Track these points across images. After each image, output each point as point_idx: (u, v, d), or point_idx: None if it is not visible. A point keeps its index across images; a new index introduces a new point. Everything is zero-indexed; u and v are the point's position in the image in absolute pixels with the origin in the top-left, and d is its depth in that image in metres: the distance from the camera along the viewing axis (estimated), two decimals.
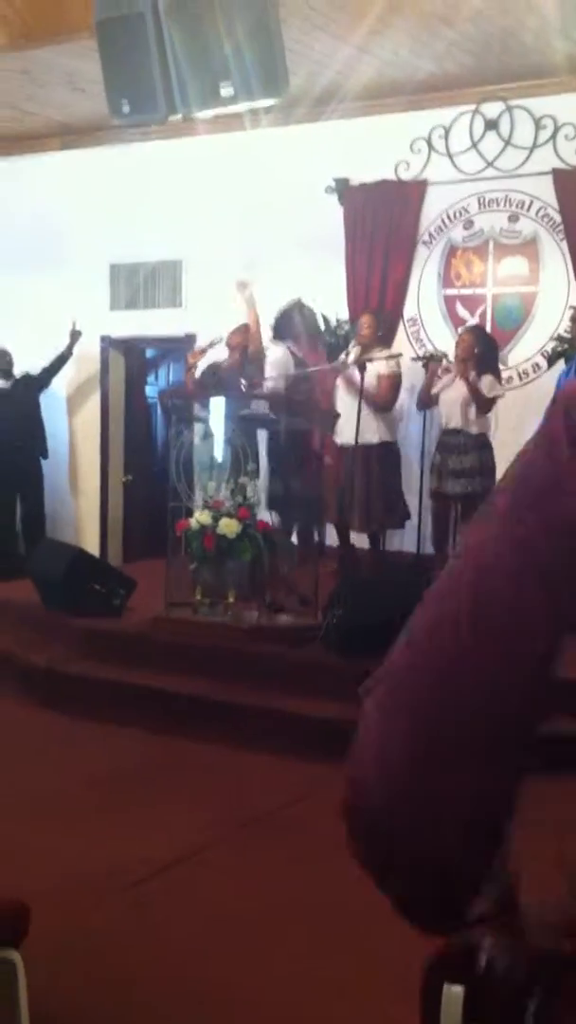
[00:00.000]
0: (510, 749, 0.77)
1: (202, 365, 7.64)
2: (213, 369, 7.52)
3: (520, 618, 0.73)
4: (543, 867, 1.01)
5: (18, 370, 9.16)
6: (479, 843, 0.79)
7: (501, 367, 7.72)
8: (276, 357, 7.08)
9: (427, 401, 7.24)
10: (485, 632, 0.74)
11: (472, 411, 6.97)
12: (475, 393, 6.92)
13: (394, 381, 7.44)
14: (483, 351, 7.14)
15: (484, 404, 6.96)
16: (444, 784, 0.76)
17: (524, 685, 0.74)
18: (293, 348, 7.24)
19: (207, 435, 6.26)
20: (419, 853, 0.79)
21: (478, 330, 7.50)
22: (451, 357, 7.47)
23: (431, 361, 7.33)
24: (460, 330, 7.58)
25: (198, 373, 7.64)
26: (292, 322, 7.14)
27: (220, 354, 7.65)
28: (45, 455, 9.35)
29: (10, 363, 9.12)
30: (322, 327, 8.16)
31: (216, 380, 7.22)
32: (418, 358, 7.63)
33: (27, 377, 9.16)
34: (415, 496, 7.57)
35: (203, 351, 7.59)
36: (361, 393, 6.98)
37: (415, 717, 0.77)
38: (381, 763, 0.79)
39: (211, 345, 7.56)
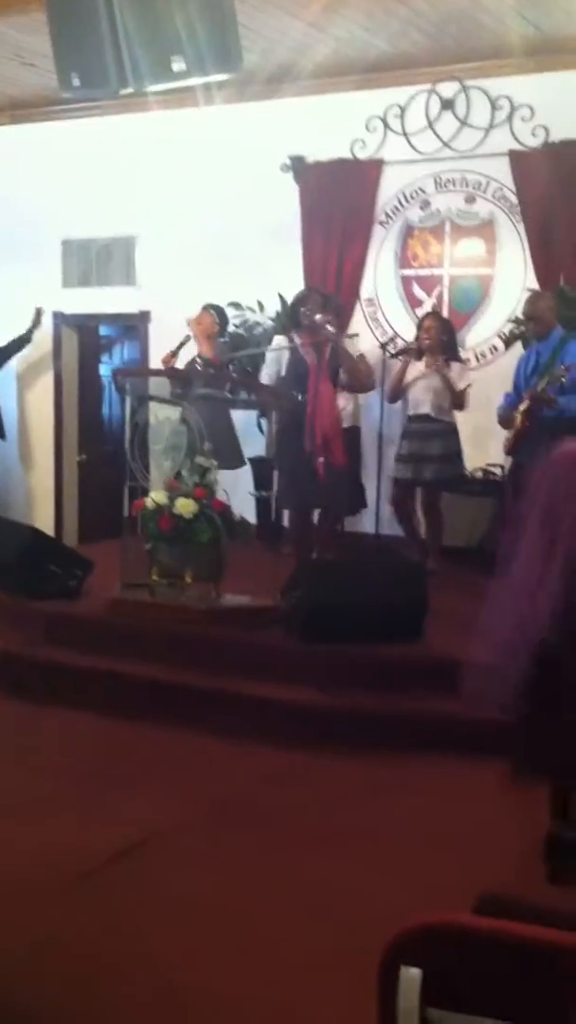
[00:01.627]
0: None
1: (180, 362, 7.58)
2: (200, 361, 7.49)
3: None
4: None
5: None
6: None
7: (459, 347, 7.73)
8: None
9: (398, 394, 7.18)
10: None
11: (443, 399, 6.95)
12: (452, 391, 6.91)
13: (365, 360, 7.43)
14: (448, 337, 7.14)
15: (459, 399, 6.94)
16: None
17: None
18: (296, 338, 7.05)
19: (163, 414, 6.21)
20: None
21: (440, 316, 7.47)
22: (408, 341, 7.46)
23: (404, 354, 7.27)
24: (422, 316, 7.53)
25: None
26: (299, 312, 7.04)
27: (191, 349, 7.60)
28: (2, 436, 9.27)
29: None
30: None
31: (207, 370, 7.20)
32: (383, 346, 7.59)
33: None
34: (372, 480, 7.57)
35: (175, 354, 7.54)
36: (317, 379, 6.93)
37: None
38: None
39: (181, 346, 7.52)
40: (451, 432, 7.01)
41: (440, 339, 7.06)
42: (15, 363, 9.45)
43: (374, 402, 7.66)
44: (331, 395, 6.56)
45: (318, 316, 6.47)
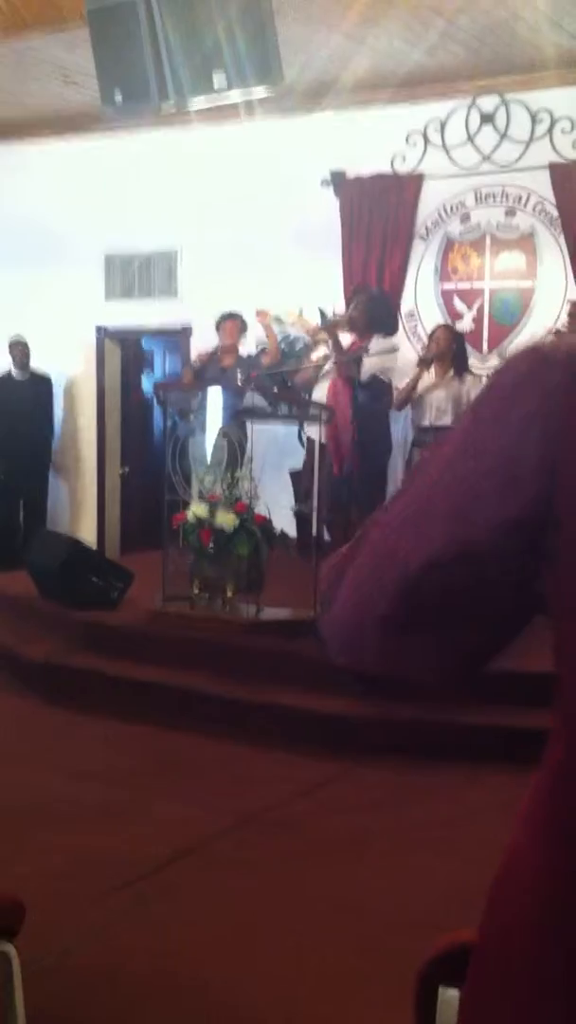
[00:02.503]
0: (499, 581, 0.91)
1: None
2: (203, 360, 7.55)
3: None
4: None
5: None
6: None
7: (499, 362, 7.69)
8: (383, 347, 7.05)
9: (404, 403, 7.22)
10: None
11: (457, 410, 6.98)
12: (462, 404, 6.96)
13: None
14: (459, 348, 7.17)
15: None
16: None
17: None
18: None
19: (201, 428, 6.24)
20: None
21: (450, 328, 7.51)
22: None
23: (422, 364, 7.28)
24: (433, 328, 7.55)
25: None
26: (385, 312, 7.10)
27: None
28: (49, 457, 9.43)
29: (27, 355, 9.15)
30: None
31: (217, 372, 7.23)
32: (423, 361, 7.58)
33: (41, 376, 9.22)
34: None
35: (210, 355, 7.60)
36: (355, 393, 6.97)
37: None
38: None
39: (214, 354, 7.59)
40: None
41: (450, 349, 7.08)
42: (60, 376, 9.55)
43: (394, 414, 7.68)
44: (346, 406, 6.62)
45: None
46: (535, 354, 0.88)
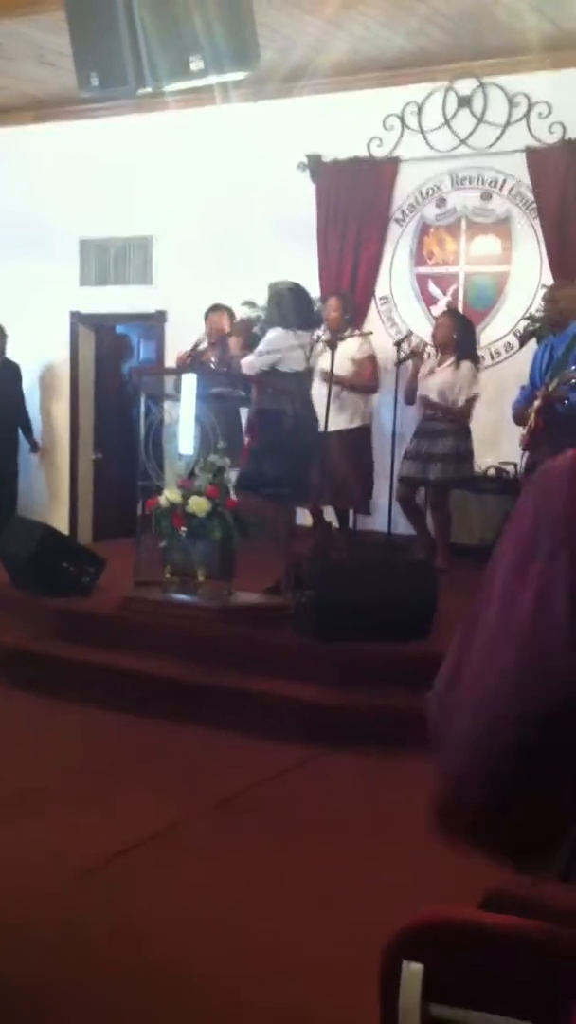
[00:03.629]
0: None
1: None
2: (197, 357, 7.50)
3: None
4: None
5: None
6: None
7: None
8: (275, 335, 6.94)
9: (413, 396, 7.18)
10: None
11: (452, 397, 6.94)
12: (446, 412, 6.92)
13: (374, 361, 7.43)
14: (462, 336, 7.10)
15: (458, 415, 6.93)
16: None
17: None
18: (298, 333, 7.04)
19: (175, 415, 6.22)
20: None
21: (456, 314, 7.46)
22: (427, 341, 7.47)
23: (413, 357, 7.26)
24: (438, 314, 7.54)
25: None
26: (290, 308, 6.99)
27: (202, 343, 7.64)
28: (35, 448, 9.37)
29: (3, 341, 9.09)
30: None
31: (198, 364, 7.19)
32: (397, 344, 7.54)
33: (14, 365, 9.17)
34: (386, 480, 7.55)
35: (190, 354, 7.56)
36: (331, 375, 6.93)
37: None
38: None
39: (197, 347, 7.54)
40: (460, 431, 6.98)
41: (451, 337, 7.04)
42: (34, 362, 9.49)
43: (387, 401, 7.63)
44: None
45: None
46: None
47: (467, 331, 7.21)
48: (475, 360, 7.14)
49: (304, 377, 7.03)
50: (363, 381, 7.26)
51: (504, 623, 0.93)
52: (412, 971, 1.36)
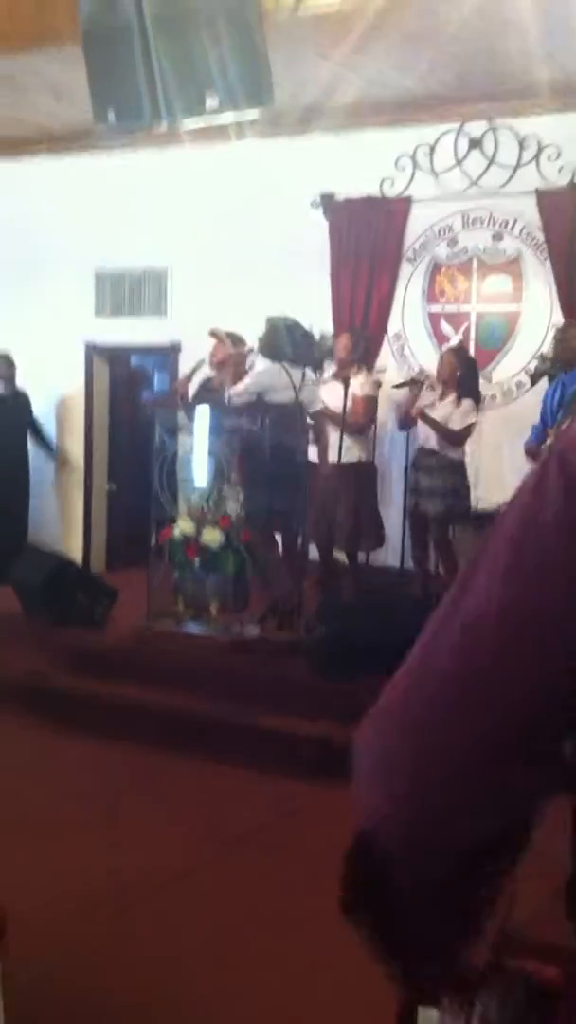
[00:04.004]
0: (532, 758, 0.81)
1: (193, 387, 7.59)
2: (206, 385, 7.51)
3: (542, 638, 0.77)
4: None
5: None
6: (488, 864, 0.86)
7: (485, 383, 7.77)
8: (263, 368, 6.95)
9: (406, 423, 7.25)
10: (513, 644, 0.78)
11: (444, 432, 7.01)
12: (443, 432, 6.95)
13: (370, 403, 7.48)
14: (464, 373, 7.15)
15: (454, 438, 6.97)
16: (466, 799, 0.81)
17: (546, 696, 0.78)
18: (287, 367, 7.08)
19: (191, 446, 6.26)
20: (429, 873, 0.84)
21: (461, 351, 7.53)
22: (416, 374, 7.54)
23: (412, 384, 7.32)
24: (443, 349, 7.60)
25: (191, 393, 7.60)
26: (284, 342, 7.01)
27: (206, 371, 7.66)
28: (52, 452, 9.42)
29: (12, 370, 9.15)
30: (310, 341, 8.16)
31: (209, 395, 7.21)
32: (400, 385, 7.56)
33: (24, 395, 9.23)
34: (399, 513, 7.58)
35: (189, 378, 7.59)
36: (344, 410, 6.97)
37: (445, 731, 0.81)
38: (412, 780, 0.84)
39: (196, 370, 7.57)
40: (456, 467, 7.05)
41: (454, 374, 7.10)
42: (49, 392, 9.56)
43: (401, 436, 7.68)
44: None
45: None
46: (558, 460, 0.81)
47: (470, 370, 7.26)
48: (476, 399, 7.19)
49: (293, 410, 7.05)
50: (350, 420, 7.22)
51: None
52: (429, 1016, 1.37)
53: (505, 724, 0.78)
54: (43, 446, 9.45)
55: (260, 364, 6.91)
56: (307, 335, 7.22)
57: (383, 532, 7.55)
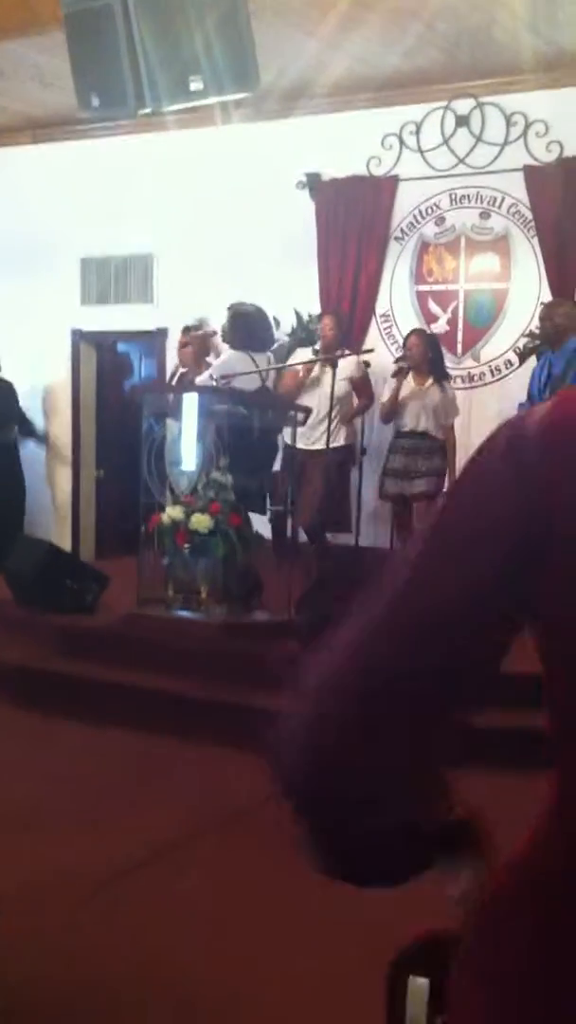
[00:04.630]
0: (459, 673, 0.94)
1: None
2: (182, 380, 7.52)
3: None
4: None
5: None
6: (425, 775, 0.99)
7: (474, 363, 7.79)
8: (228, 355, 6.90)
9: (391, 414, 7.26)
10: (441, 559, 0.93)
11: (437, 417, 7.04)
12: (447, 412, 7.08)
13: (365, 384, 7.55)
14: (434, 355, 7.23)
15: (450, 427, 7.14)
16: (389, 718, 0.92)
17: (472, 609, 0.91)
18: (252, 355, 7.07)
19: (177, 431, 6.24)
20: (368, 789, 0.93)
21: (424, 333, 7.52)
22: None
23: (397, 375, 7.31)
24: (407, 334, 7.57)
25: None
26: (249, 329, 7.02)
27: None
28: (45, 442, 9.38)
29: None
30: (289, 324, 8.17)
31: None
32: (397, 361, 7.54)
33: (9, 384, 9.19)
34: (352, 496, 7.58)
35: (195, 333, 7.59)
36: (332, 394, 6.95)
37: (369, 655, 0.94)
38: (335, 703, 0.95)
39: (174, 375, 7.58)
40: (441, 449, 7.12)
41: (426, 356, 7.12)
42: (37, 380, 9.52)
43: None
44: None
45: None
46: (508, 431, 0.93)
47: (437, 351, 7.33)
48: (449, 379, 7.27)
49: (261, 395, 7.06)
50: (364, 400, 7.38)
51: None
52: (418, 985, 1.37)
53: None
54: (31, 436, 9.41)
55: (225, 352, 6.90)
56: (268, 322, 7.22)
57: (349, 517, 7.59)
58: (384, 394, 7.34)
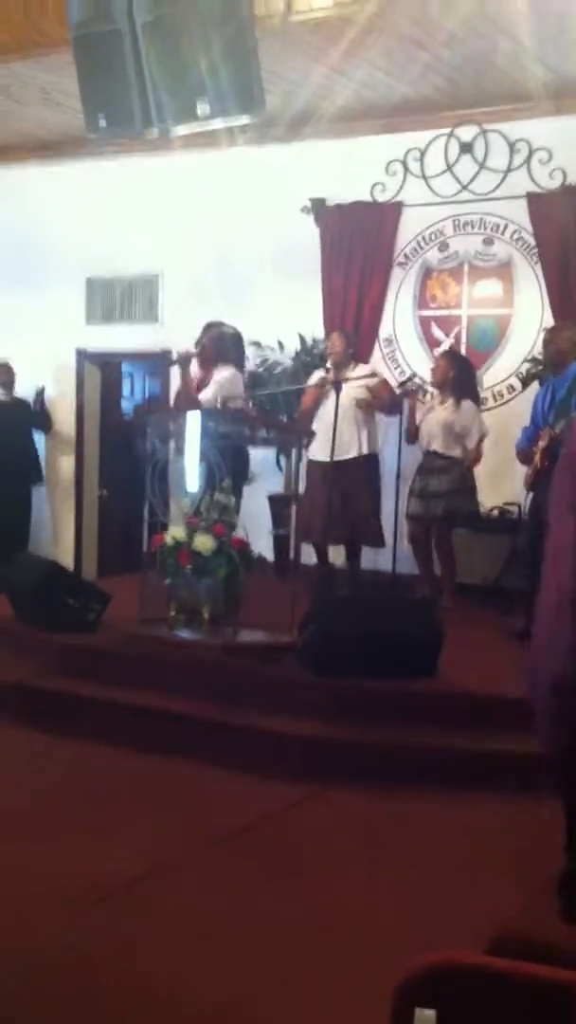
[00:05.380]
0: None
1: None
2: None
3: None
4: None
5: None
6: None
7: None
8: (225, 376, 6.95)
9: (414, 434, 7.28)
10: None
11: (452, 435, 7.03)
12: (456, 430, 7.05)
13: (387, 384, 7.56)
14: (458, 374, 7.19)
15: (472, 455, 7.09)
16: None
17: None
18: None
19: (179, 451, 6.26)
20: None
21: (453, 354, 7.56)
22: (412, 382, 7.56)
23: (408, 395, 7.33)
24: (435, 353, 7.63)
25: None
26: (228, 348, 7.10)
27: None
28: (40, 480, 9.41)
29: (12, 377, 9.15)
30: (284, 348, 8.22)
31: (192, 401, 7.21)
32: (401, 385, 7.59)
33: (25, 403, 9.25)
34: (390, 518, 7.56)
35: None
36: (336, 412, 6.96)
37: None
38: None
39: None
40: (460, 467, 7.07)
41: (448, 377, 7.14)
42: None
43: (391, 438, 7.67)
44: None
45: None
46: None
47: (465, 371, 7.29)
48: (476, 400, 7.23)
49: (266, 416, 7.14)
50: (377, 406, 7.36)
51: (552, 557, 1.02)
52: (425, 1017, 1.37)
53: None
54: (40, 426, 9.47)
55: (223, 372, 6.92)
56: (242, 342, 7.27)
57: (382, 534, 7.51)
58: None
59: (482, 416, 7.20)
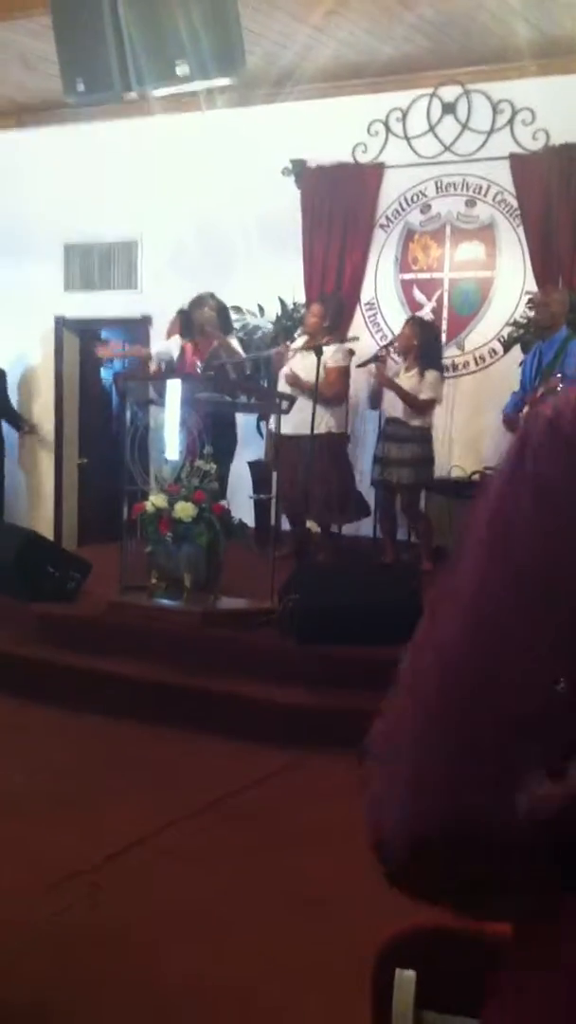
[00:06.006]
0: (529, 748, 0.72)
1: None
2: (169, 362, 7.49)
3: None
4: None
5: None
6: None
7: (458, 352, 7.74)
8: (232, 342, 6.93)
9: (375, 401, 7.23)
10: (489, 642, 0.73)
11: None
12: (406, 398, 6.90)
13: (341, 372, 7.31)
14: (423, 343, 7.10)
15: (419, 406, 6.94)
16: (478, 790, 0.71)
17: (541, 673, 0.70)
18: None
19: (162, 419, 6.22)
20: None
21: (418, 321, 7.46)
22: (378, 349, 7.48)
23: (376, 361, 7.26)
24: (404, 320, 7.55)
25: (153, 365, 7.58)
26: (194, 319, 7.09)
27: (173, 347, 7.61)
28: (19, 428, 9.36)
29: None
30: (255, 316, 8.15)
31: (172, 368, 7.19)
32: (364, 364, 7.47)
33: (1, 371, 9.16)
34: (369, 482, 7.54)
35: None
36: (316, 381, 6.90)
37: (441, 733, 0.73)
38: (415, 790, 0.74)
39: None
40: (423, 437, 7.04)
41: (412, 344, 7.06)
42: (18, 366, 9.47)
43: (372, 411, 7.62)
44: None
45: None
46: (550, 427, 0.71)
47: (429, 339, 7.21)
48: (439, 369, 7.14)
49: (247, 383, 7.11)
50: (322, 391, 7.13)
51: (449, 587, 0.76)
52: (405, 978, 1.37)
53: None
54: (10, 421, 9.36)
55: (233, 342, 6.90)
56: (227, 309, 7.27)
57: (366, 503, 7.48)
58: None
59: (442, 386, 7.12)
